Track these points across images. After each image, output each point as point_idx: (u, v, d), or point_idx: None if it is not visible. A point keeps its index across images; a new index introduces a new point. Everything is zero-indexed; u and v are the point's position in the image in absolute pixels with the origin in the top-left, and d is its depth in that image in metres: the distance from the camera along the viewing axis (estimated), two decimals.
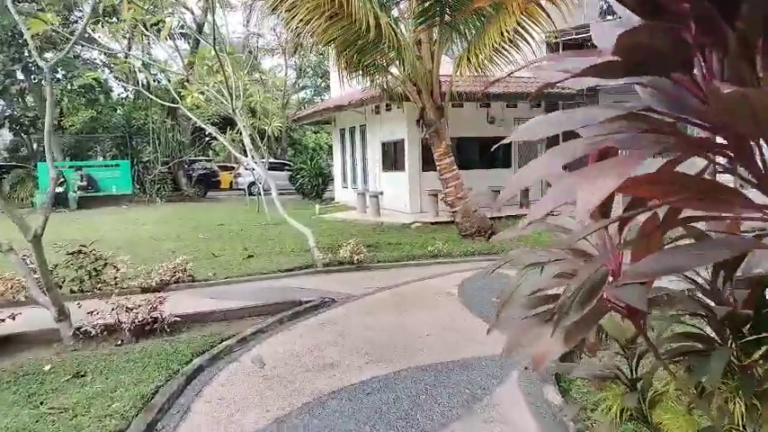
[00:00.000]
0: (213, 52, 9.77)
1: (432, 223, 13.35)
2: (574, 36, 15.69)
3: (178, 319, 5.71)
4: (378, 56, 10.11)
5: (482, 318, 5.84)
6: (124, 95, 27.42)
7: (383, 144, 16.85)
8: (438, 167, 10.61)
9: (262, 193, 16.54)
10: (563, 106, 16.77)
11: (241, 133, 10.73)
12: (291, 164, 23.86)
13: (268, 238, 11.95)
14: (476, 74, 10.19)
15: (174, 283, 7.72)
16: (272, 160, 29.08)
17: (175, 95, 11.44)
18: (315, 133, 40.99)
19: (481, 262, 8.67)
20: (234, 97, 9.86)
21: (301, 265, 8.77)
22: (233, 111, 9.70)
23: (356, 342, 5.23)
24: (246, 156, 11.17)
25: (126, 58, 12.02)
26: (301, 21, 8.68)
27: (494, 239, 4.98)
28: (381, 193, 15.84)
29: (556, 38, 16.12)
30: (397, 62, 10.28)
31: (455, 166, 10.58)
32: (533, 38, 10.07)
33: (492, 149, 16.99)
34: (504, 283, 1.92)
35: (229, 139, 16.51)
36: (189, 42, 22.99)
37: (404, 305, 6.48)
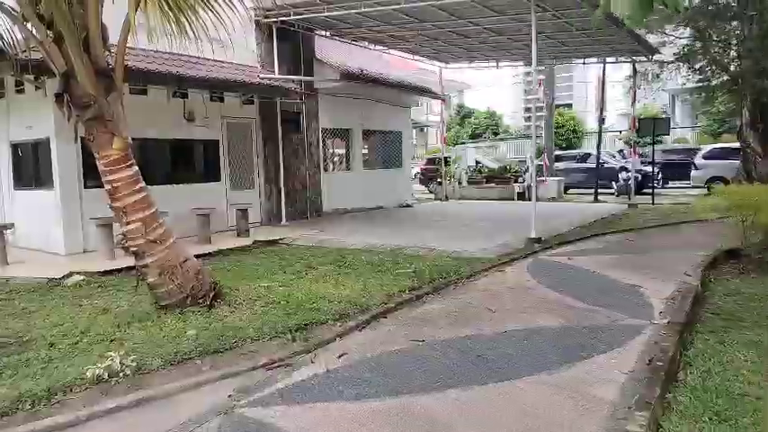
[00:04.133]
0: None
1: (103, 273, 7.87)
2: (291, 18, 12.11)
3: None
4: None
5: None
6: None
7: (14, 146, 10.24)
8: (108, 186, 5.47)
9: None
10: (282, 105, 13.04)
11: None
12: None
13: None
14: (174, 17, 5.46)
15: None
16: None
17: None
18: None
19: (214, 386, 4.03)
20: None
21: None
22: None
23: None
24: None
25: None
26: None
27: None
28: (10, 226, 9.33)
29: (266, 17, 12.36)
30: None
31: (142, 184, 5.61)
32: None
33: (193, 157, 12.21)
34: None
35: None
36: None
37: None
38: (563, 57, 17.56)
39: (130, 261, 7.79)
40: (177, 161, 11.17)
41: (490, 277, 7.16)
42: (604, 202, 17.08)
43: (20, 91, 9.84)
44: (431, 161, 24.02)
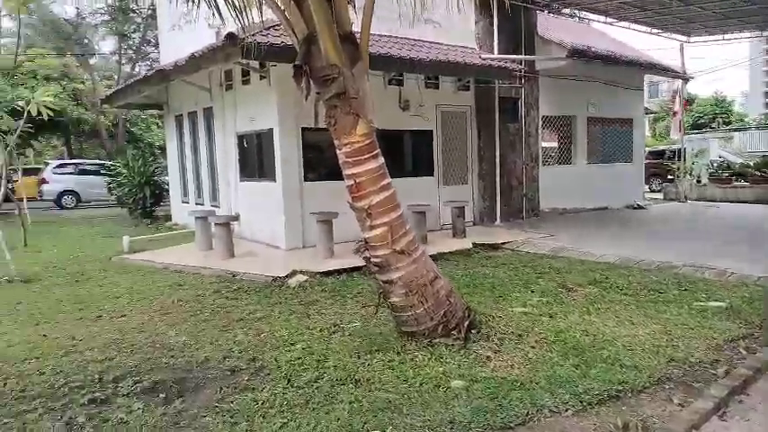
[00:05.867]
0: None
1: (323, 274, 7.05)
2: None
3: None
4: None
5: None
6: None
7: (240, 137, 10.19)
8: (350, 181, 4.32)
9: (26, 210, 9.16)
10: (499, 90, 11.37)
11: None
12: (113, 167, 15.80)
13: None
14: None
15: None
16: (90, 161, 21.01)
17: None
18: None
19: None
20: None
21: None
22: None
23: None
24: None
25: None
26: None
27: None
28: (237, 217, 9.20)
29: None
30: None
31: (388, 179, 4.39)
32: None
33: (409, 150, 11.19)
34: None
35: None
36: None
37: None
38: None
39: (350, 261, 6.90)
40: (391, 153, 10.10)
41: None
42: None
43: (246, 82, 9.69)
44: (654, 154, 20.31)
